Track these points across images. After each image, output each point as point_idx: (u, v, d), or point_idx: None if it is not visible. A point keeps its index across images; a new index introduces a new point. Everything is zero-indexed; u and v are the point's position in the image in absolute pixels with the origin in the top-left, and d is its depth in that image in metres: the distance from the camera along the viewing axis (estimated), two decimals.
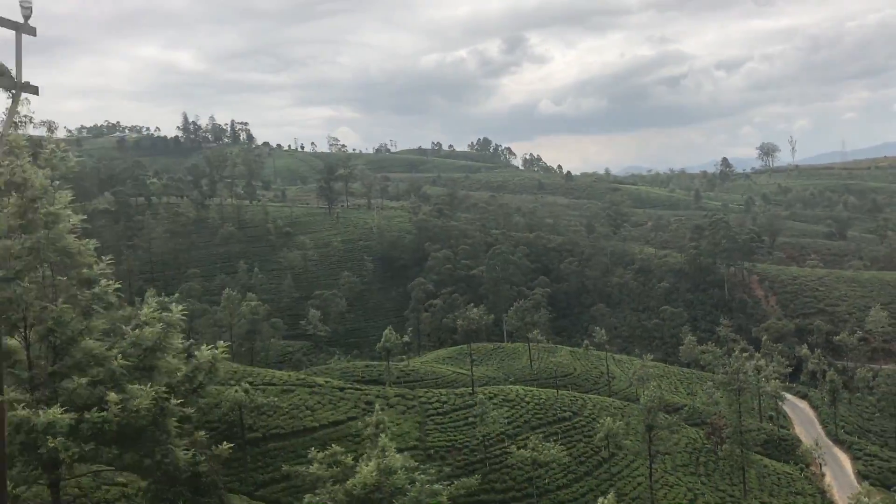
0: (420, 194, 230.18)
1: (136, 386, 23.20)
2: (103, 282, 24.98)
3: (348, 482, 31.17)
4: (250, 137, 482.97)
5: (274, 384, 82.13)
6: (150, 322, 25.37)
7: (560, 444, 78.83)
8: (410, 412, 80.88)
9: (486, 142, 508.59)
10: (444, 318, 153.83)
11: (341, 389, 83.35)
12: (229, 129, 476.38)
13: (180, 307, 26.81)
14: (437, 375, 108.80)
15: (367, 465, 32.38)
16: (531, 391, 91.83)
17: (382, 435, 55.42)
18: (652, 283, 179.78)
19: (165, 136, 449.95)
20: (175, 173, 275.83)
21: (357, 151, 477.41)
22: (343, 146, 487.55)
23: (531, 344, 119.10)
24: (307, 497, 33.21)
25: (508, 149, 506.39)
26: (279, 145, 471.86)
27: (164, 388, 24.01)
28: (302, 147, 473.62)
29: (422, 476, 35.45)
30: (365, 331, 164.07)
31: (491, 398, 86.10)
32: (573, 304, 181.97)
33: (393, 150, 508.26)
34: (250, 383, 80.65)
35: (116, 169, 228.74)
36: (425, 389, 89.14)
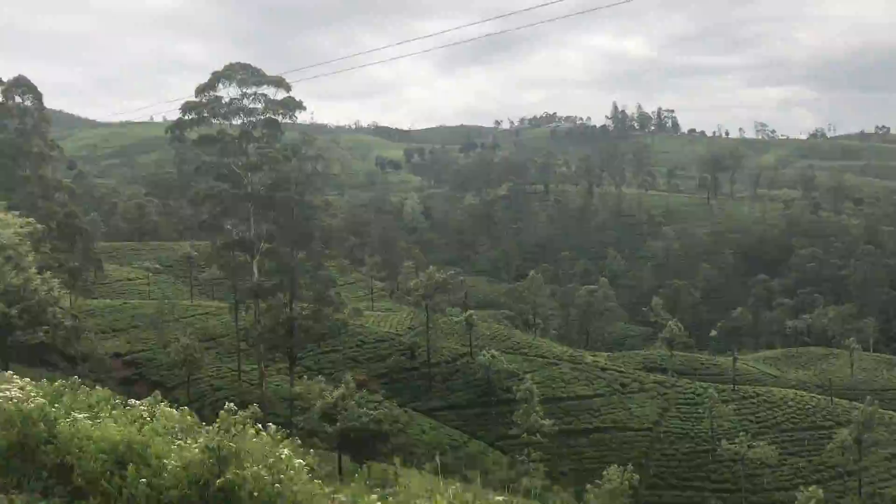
0: (809, 185, 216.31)
1: None
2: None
3: (319, 401, 43.34)
4: (675, 125, 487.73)
5: (544, 356, 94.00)
6: None
7: (804, 449, 78.36)
8: (659, 398, 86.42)
9: None
10: (796, 317, 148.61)
11: (602, 369, 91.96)
12: (655, 116, 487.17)
13: None
14: (741, 373, 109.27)
15: (331, 394, 44.28)
16: (802, 395, 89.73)
17: (535, 399, 65.31)
18: None
19: (594, 126, 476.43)
20: (589, 163, 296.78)
21: (786, 137, 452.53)
22: (773, 131, 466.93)
23: (852, 352, 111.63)
24: None
25: None
26: (703, 132, 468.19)
27: None
28: (727, 133, 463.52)
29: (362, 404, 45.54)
30: (716, 324, 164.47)
31: (750, 398, 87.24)
32: None
33: (830, 135, 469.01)
34: (523, 353, 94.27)
35: (520, 161, 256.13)
36: (689, 380, 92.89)
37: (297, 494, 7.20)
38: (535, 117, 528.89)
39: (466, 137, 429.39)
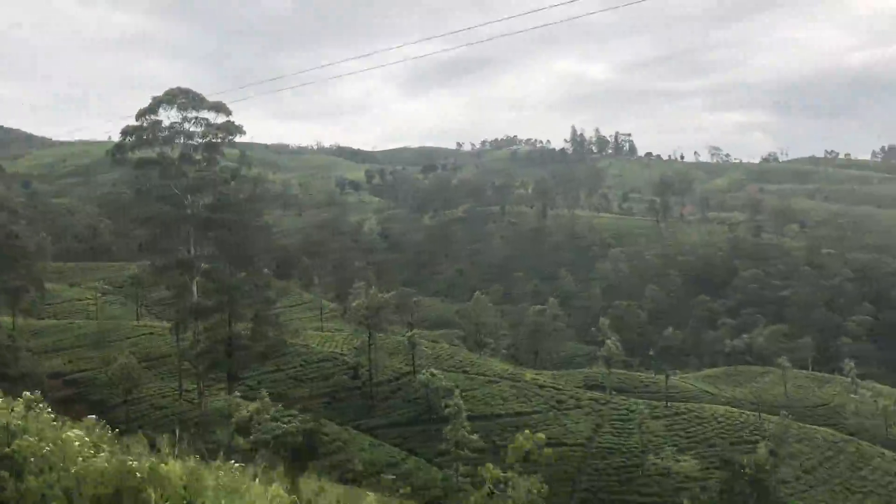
0: (756, 208, 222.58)
1: None
2: None
3: (236, 416, 45.46)
4: (632, 149, 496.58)
5: (485, 374, 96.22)
6: None
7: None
8: (593, 414, 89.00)
9: (893, 150, 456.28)
10: (735, 337, 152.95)
11: (540, 387, 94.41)
12: (612, 140, 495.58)
13: None
14: (679, 391, 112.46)
15: (249, 407, 46.28)
16: (732, 412, 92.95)
17: (462, 414, 67.23)
18: None
19: (554, 149, 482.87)
20: (544, 185, 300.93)
21: (739, 161, 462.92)
22: (727, 155, 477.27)
23: (784, 371, 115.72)
24: None
25: None
26: (658, 156, 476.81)
27: None
28: (682, 157, 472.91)
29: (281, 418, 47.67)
30: (660, 344, 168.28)
31: (681, 414, 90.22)
32: None
33: (783, 158, 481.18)
34: (465, 372, 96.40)
35: (478, 182, 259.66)
36: (625, 398, 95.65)
37: (65, 458, 9.35)
38: (496, 140, 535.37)
39: (429, 159, 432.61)
